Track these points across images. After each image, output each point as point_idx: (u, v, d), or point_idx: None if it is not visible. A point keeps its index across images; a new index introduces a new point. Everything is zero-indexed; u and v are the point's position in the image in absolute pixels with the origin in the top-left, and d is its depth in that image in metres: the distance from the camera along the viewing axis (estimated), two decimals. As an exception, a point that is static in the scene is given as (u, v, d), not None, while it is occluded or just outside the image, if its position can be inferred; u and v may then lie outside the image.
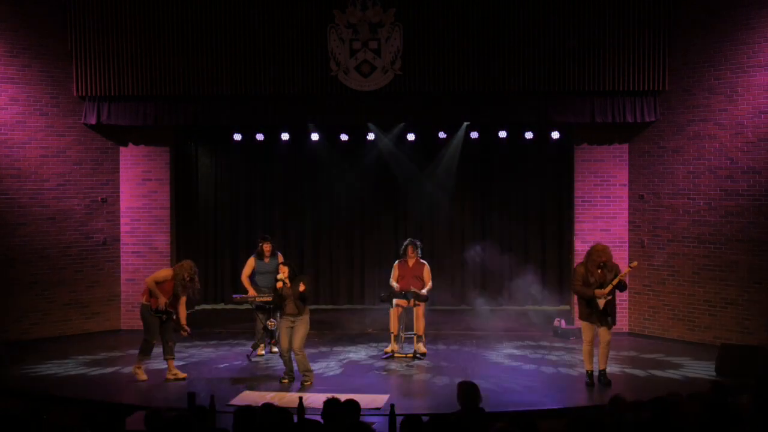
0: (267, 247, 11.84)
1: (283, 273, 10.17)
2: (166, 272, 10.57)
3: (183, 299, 10.52)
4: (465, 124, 13.84)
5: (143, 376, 10.34)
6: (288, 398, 9.19)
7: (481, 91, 12.48)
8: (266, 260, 11.85)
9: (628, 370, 10.60)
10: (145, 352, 10.38)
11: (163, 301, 10.29)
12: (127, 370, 10.79)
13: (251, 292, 11.73)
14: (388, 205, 15.18)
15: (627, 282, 10.10)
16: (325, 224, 15.36)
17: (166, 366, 10.48)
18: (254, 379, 10.49)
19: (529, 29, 12.28)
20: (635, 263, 10.66)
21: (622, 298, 13.02)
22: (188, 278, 10.40)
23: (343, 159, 14.83)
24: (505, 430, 5.26)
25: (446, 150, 14.59)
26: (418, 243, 11.90)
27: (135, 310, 13.41)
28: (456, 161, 14.64)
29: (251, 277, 11.92)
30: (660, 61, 12.21)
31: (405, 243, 11.89)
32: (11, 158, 12.53)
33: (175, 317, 10.46)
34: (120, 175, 13.53)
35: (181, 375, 10.43)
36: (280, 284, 10.14)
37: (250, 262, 11.92)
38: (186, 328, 10.54)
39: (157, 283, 10.35)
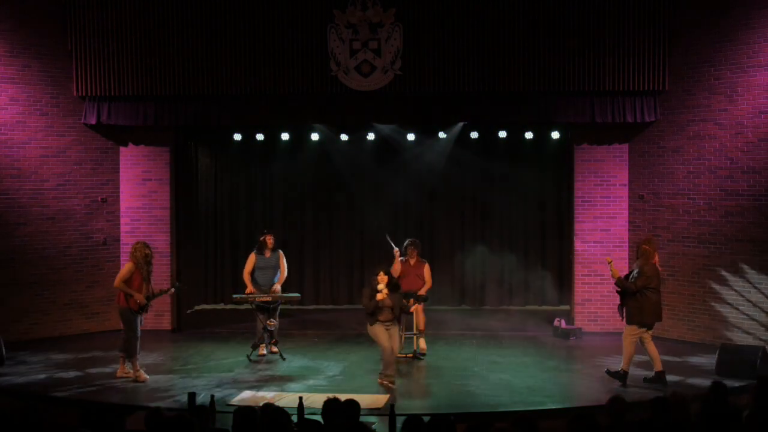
0: (270, 240, 11.76)
1: (383, 282, 10.08)
2: (128, 267, 10.44)
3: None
4: (462, 123, 13.80)
5: (144, 377, 10.36)
6: (288, 398, 9.19)
7: (481, 91, 12.48)
8: (267, 255, 11.78)
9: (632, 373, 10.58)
10: (133, 352, 10.38)
11: (140, 297, 10.31)
12: (127, 369, 10.82)
13: (249, 288, 11.70)
14: (387, 204, 15.16)
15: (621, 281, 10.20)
16: (324, 224, 15.35)
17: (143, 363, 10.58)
18: (254, 379, 10.50)
19: (529, 29, 12.27)
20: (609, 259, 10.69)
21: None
22: (148, 252, 10.43)
23: (343, 159, 14.81)
24: (505, 431, 5.26)
25: (446, 150, 14.57)
26: (419, 243, 11.92)
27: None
28: (456, 161, 14.62)
29: (252, 273, 11.88)
30: (660, 61, 12.21)
31: (405, 243, 11.90)
32: (11, 158, 12.53)
33: (152, 302, 10.54)
34: (120, 175, 13.53)
35: (133, 375, 10.41)
36: (381, 296, 10.01)
37: (251, 258, 11.84)
38: (166, 289, 10.92)
39: (126, 282, 10.34)
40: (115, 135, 13.39)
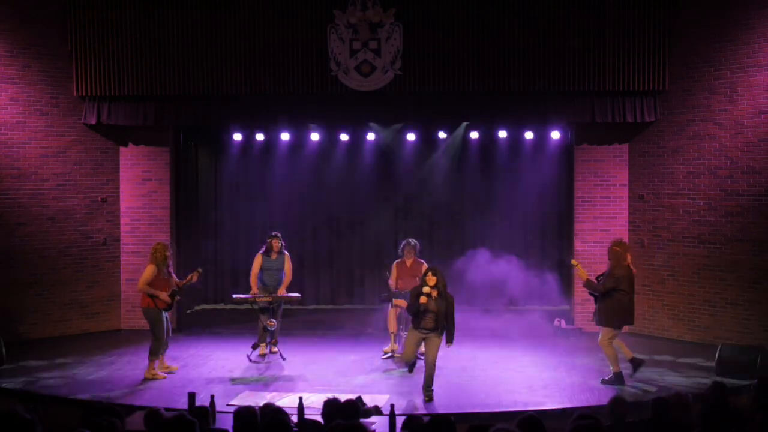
0: (275, 244, 11.75)
1: (431, 282, 9.17)
2: (150, 269, 10.57)
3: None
4: (464, 123, 13.84)
5: (161, 375, 10.53)
6: (288, 398, 9.19)
7: (481, 91, 12.48)
8: (273, 257, 11.76)
9: (628, 371, 10.58)
10: (156, 353, 10.58)
11: (165, 296, 10.50)
12: (127, 369, 10.88)
13: (254, 290, 11.70)
14: (387, 205, 15.17)
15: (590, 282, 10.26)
16: (324, 224, 15.35)
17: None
18: (254, 379, 10.50)
19: (529, 29, 12.27)
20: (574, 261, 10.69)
21: (622, 298, 13.04)
22: (168, 253, 10.66)
23: (343, 159, 14.82)
24: (505, 430, 5.25)
25: (446, 150, 14.58)
26: (416, 243, 11.90)
27: (135, 310, 13.46)
28: (456, 161, 14.63)
29: (258, 274, 11.86)
30: (660, 61, 12.21)
31: (402, 243, 11.90)
32: (11, 158, 12.53)
33: (178, 297, 10.80)
34: (120, 175, 13.54)
35: (174, 367, 10.71)
36: (425, 299, 9.12)
37: (258, 260, 11.82)
38: (188, 280, 10.93)
39: (150, 283, 10.49)
40: (115, 135, 13.39)
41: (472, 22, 12.34)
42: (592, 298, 10.39)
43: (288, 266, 11.82)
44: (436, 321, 9.22)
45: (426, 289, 9.21)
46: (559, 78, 12.28)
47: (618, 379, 10.06)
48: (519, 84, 12.35)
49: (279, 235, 11.98)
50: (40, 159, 12.77)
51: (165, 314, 10.62)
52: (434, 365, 9.43)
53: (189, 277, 11.01)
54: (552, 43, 12.26)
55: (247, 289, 11.91)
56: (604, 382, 10.12)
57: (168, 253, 10.67)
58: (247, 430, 5.55)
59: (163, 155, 13.59)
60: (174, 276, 10.83)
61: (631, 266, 10.24)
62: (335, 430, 5.56)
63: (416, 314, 9.22)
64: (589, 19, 12.25)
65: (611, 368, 10.16)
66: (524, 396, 9.67)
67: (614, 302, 10.02)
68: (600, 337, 10.21)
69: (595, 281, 10.23)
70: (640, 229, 12.99)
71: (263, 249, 11.88)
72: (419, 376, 10.69)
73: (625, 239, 13.07)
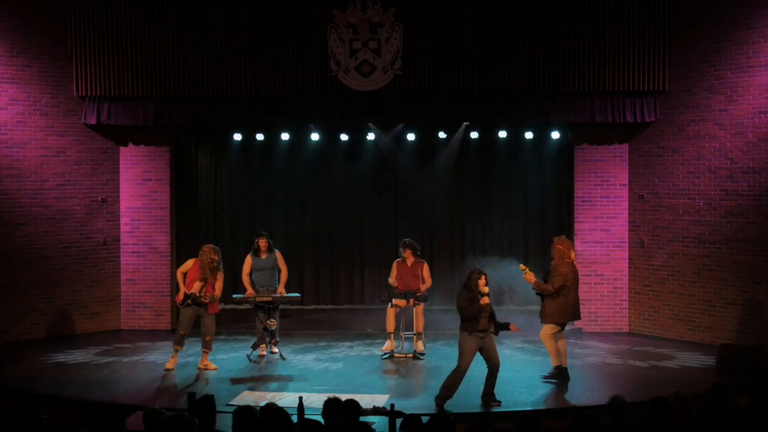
0: (262, 243, 11.77)
1: (483, 283, 9.13)
2: (190, 261, 11.01)
3: (219, 281, 10.91)
4: (465, 124, 13.84)
5: (169, 365, 10.82)
6: (288, 398, 9.19)
7: (481, 91, 12.48)
8: (263, 256, 11.78)
9: (627, 371, 10.59)
10: (177, 342, 10.90)
11: (180, 294, 10.78)
12: (126, 369, 10.91)
13: (249, 291, 11.69)
14: (387, 204, 15.18)
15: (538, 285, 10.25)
16: (325, 224, 15.35)
17: (167, 362, 10.95)
18: (254, 379, 10.50)
19: (529, 29, 12.28)
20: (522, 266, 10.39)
21: (621, 298, 13.05)
22: (215, 258, 10.82)
23: (343, 159, 14.83)
24: (505, 430, 5.25)
25: (446, 150, 14.59)
26: (416, 243, 11.91)
27: (135, 310, 13.51)
28: (456, 161, 14.64)
29: (249, 274, 11.87)
30: (660, 61, 12.21)
31: (403, 243, 11.89)
32: (11, 158, 12.53)
33: (199, 296, 10.80)
34: (120, 175, 13.54)
35: (212, 366, 10.87)
36: (486, 300, 9.08)
37: (248, 260, 11.84)
38: (210, 299, 10.87)
39: (183, 273, 10.87)
40: (115, 135, 13.39)
41: (472, 22, 12.34)
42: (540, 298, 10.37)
43: (281, 262, 11.84)
44: (489, 320, 9.20)
45: (486, 289, 9.14)
46: (559, 78, 12.27)
47: (560, 374, 10.04)
48: (519, 84, 12.35)
49: (266, 234, 11.99)
50: (40, 159, 12.77)
51: (185, 311, 10.74)
52: (496, 367, 9.29)
53: (213, 301, 10.86)
54: (552, 43, 12.26)
55: (244, 290, 11.91)
56: (545, 378, 10.12)
57: (214, 257, 10.79)
58: (247, 430, 5.55)
59: (163, 155, 13.59)
60: (215, 286, 10.85)
61: (575, 263, 10.25)
62: (335, 430, 5.56)
63: (474, 317, 9.09)
64: (589, 19, 12.25)
65: (552, 362, 10.15)
66: (524, 396, 9.67)
67: (561, 299, 10.04)
68: (542, 332, 10.18)
69: (542, 282, 10.19)
70: (640, 229, 12.99)
71: (252, 250, 11.88)
72: (419, 376, 10.71)
73: (625, 238, 13.10)
